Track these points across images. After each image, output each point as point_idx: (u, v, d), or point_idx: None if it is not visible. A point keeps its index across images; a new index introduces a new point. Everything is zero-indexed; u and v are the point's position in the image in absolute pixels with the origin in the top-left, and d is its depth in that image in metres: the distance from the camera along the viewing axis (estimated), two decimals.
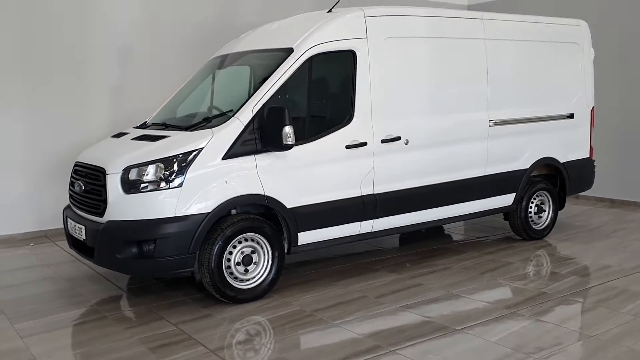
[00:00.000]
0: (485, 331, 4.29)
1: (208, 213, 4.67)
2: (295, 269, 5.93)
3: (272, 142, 4.84)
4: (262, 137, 4.88)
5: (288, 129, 4.77)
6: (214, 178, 4.73)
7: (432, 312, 4.70)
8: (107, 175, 4.72)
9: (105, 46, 7.61)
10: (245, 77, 5.80)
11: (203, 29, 8.18)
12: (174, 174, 4.63)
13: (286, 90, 5.19)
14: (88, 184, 4.99)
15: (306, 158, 5.14)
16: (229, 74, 6.04)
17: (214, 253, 4.72)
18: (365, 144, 5.42)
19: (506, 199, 6.66)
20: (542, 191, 7.04)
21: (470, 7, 11.25)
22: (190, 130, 4.98)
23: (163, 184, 4.61)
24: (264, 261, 5.02)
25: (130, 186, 4.64)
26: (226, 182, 4.76)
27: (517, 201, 6.74)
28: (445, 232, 7.60)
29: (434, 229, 7.57)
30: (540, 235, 7.05)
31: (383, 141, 5.54)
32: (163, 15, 7.99)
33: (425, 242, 6.99)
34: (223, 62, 6.06)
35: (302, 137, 5.16)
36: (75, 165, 5.35)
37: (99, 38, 7.57)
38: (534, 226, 7.00)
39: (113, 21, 7.64)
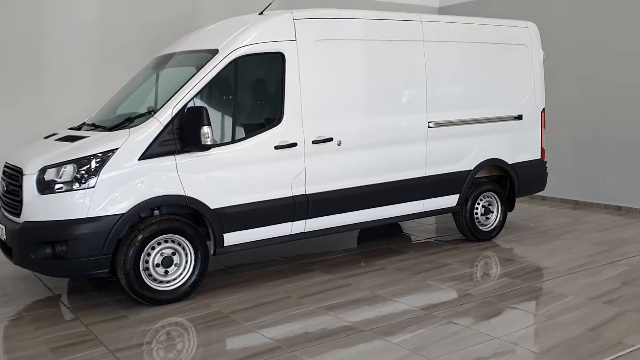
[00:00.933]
0: (391, 332, 4.28)
1: (122, 214, 4.68)
2: (232, 271, 5.93)
3: (190, 142, 4.86)
4: (181, 138, 4.88)
5: (206, 129, 4.78)
6: (129, 179, 4.73)
7: (347, 313, 4.69)
8: (23, 176, 4.74)
9: (62, 46, 7.63)
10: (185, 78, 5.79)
11: (165, 29, 8.17)
12: (88, 174, 4.64)
13: (211, 91, 5.21)
14: (9, 185, 5.01)
15: (232, 158, 5.16)
16: (166, 74, 6.04)
17: (130, 254, 4.73)
18: (295, 144, 5.42)
19: (449, 200, 6.64)
20: (490, 192, 7.01)
21: (441, 10, 11.25)
22: (112, 131, 4.99)
23: (76, 185, 4.63)
24: (186, 263, 5.01)
25: (45, 187, 4.66)
26: (142, 182, 4.77)
27: (461, 202, 6.71)
28: (404, 233, 7.59)
29: (393, 229, 7.60)
30: (487, 236, 7.02)
31: (314, 142, 5.53)
32: (123, 14, 8.00)
33: (373, 243, 7.00)
34: (161, 62, 6.07)
35: (229, 138, 5.19)
36: (4, 166, 5.37)
37: (57, 38, 7.59)
38: (481, 227, 6.97)
39: (71, 21, 7.68)
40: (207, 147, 4.87)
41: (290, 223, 5.51)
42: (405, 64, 6.19)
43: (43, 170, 4.69)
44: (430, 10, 11.07)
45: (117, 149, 4.73)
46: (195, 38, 5.89)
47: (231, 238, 5.22)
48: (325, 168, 5.65)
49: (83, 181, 4.63)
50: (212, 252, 5.21)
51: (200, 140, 4.80)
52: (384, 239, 7.16)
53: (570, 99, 9.15)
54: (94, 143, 4.81)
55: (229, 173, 5.15)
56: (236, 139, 5.23)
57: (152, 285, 4.88)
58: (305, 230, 5.64)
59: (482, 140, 6.80)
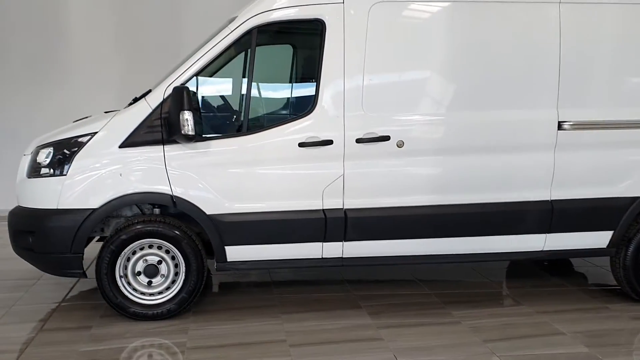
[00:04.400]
0: None
1: (94, 209, 4.02)
2: (268, 290, 4.88)
3: (173, 130, 3.95)
4: (168, 124, 4.01)
5: (187, 115, 3.83)
6: (106, 169, 4.04)
7: None
8: (23, 156, 4.40)
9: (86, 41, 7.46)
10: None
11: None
12: (62, 160, 4.08)
13: (219, 69, 4.22)
14: None
15: (239, 154, 4.13)
16: None
17: (104, 256, 4.06)
18: (330, 142, 4.13)
19: (596, 239, 4.54)
20: None
21: None
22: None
23: (51, 171, 4.10)
24: (175, 275, 4.17)
25: (31, 170, 4.23)
26: (121, 174, 4.03)
27: (616, 243, 4.53)
28: (576, 270, 5.60)
29: (560, 265, 5.68)
30: None
31: (360, 140, 4.15)
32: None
33: (511, 281, 5.31)
34: None
35: (236, 129, 4.18)
36: None
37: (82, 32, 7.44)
38: None
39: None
40: (189, 138, 3.90)
41: (319, 244, 4.23)
42: (521, 36, 4.30)
43: (36, 152, 4.26)
44: None
45: (95, 132, 4.07)
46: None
47: (235, 253, 4.20)
48: (376, 176, 4.22)
49: (57, 167, 4.09)
50: (215, 267, 4.26)
51: (179, 129, 3.85)
52: (529, 278, 5.31)
53: None
54: (81, 125, 4.25)
55: (234, 172, 4.11)
56: (248, 131, 4.15)
57: (130, 296, 4.14)
58: (344, 256, 4.29)
59: None
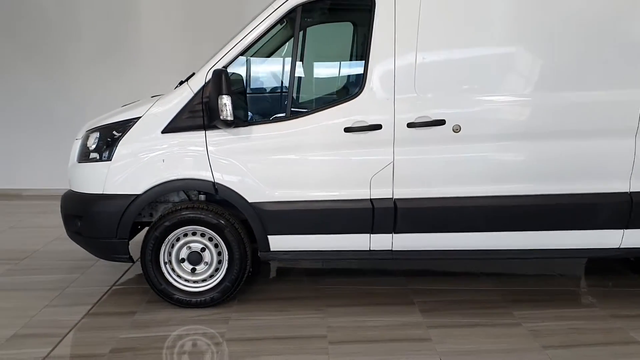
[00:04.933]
0: None
1: (137, 195, 3.98)
2: (318, 280, 4.69)
3: (213, 115, 3.82)
4: (209, 109, 3.88)
5: (225, 100, 3.68)
6: (149, 154, 3.98)
7: None
8: (75, 141, 4.44)
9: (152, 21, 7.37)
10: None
11: None
12: (108, 144, 4.05)
13: (262, 51, 4.02)
14: None
15: (281, 140, 3.94)
16: None
17: (149, 243, 4.03)
18: (378, 127, 3.86)
19: None
20: None
21: None
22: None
23: (97, 155, 4.10)
24: (219, 263, 4.09)
25: (81, 155, 4.25)
26: (163, 160, 3.96)
27: None
28: None
29: None
30: None
31: (411, 125, 3.85)
32: None
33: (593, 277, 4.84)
34: None
35: (280, 113, 4.00)
36: None
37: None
38: None
39: None
40: (228, 123, 3.75)
41: (367, 235, 4.00)
42: (599, 8, 3.80)
43: (86, 136, 4.28)
44: None
45: (138, 118, 4.01)
46: None
47: (278, 242, 4.04)
48: (429, 164, 3.91)
49: (104, 152, 4.07)
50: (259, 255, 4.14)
51: (218, 114, 3.71)
52: (609, 276, 4.82)
53: None
54: (127, 109, 4.20)
55: (275, 159, 3.94)
56: (288, 116, 3.94)
57: (173, 282, 4.10)
58: (393, 249, 4.03)
59: None
